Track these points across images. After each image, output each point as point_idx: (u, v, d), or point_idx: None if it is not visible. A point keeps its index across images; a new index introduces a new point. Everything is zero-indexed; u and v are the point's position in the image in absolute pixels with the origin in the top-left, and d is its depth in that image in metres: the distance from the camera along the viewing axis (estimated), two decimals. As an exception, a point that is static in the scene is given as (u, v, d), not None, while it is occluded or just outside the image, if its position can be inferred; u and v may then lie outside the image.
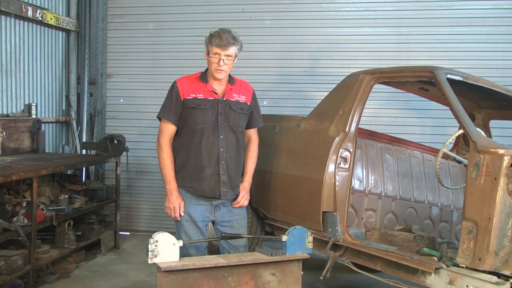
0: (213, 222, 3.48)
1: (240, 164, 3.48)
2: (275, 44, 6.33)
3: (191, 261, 2.94)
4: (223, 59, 3.24)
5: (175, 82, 3.42)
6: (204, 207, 3.39)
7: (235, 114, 3.38)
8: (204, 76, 3.39)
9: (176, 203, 3.30)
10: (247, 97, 3.47)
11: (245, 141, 3.56)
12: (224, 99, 3.36)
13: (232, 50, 3.26)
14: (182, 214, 3.32)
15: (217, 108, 3.33)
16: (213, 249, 4.31)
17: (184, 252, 3.26)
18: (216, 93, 3.35)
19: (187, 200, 3.37)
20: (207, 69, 3.38)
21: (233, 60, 3.31)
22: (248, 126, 3.54)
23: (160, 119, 3.43)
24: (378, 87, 4.13)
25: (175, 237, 2.91)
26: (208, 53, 3.30)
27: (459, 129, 3.31)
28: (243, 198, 3.49)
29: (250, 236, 3.40)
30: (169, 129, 3.38)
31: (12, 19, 5.66)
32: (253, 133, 3.60)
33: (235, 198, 3.46)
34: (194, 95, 3.33)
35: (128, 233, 6.72)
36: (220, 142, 3.34)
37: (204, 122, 3.32)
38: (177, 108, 3.35)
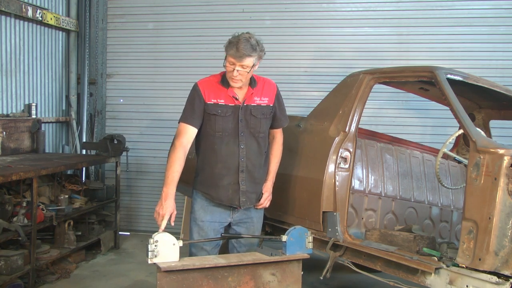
0: (230, 224, 3.38)
1: (263, 169, 3.35)
2: (275, 44, 6.32)
3: (191, 261, 2.94)
4: (237, 70, 3.07)
5: (196, 85, 3.24)
6: (223, 209, 3.30)
7: (256, 120, 3.24)
8: (224, 80, 3.20)
9: (167, 210, 2.99)
10: (269, 98, 3.30)
11: (269, 141, 3.42)
12: (245, 104, 3.21)
13: (248, 61, 3.05)
14: (172, 224, 3.04)
15: (238, 115, 3.19)
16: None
17: (196, 253, 3.27)
18: (237, 99, 3.20)
19: (205, 202, 3.29)
20: None
21: (250, 71, 3.11)
22: (272, 127, 3.39)
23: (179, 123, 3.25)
24: (378, 87, 4.13)
25: (176, 237, 2.91)
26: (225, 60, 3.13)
27: (459, 129, 3.31)
28: (266, 200, 3.39)
29: (250, 236, 3.38)
30: (188, 131, 3.18)
31: (12, 19, 5.67)
32: (277, 133, 3.45)
33: (258, 200, 3.36)
34: (215, 101, 3.18)
35: (128, 233, 6.72)
36: (241, 151, 3.21)
37: (224, 130, 3.19)
38: (200, 110, 3.19)
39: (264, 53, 3.14)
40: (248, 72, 3.11)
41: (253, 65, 3.10)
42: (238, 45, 3.02)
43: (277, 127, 3.43)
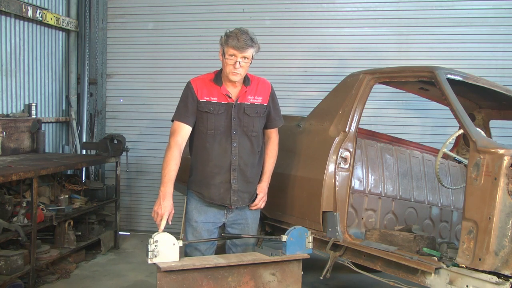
0: (224, 224, 3.36)
1: (256, 168, 3.32)
2: (275, 44, 6.33)
3: (191, 261, 2.94)
4: (239, 61, 3.07)
5: (189, 83, 3.24)
6: (217, 209, 3.28)
7: (249, 118, 3.23)
8: (218, 78, 3.21)
9: (166, 210, 3.01)
10: (263, 97, 3.29)
11: (264, 141, 3.41)
12: (238, 102, 3.20)
13: (250, 52, 3.08)
14: (170, 222, 3.04)
15: (231, 113, 3.18)
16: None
17: (190, 254, 3.25)
18: (230, 97, 3.19)
19: (199, 202, 3.28)
20: (221, 70, 3.22)
21: (250, 62, 3.14)
22: (266, 127, 3.39)
23: (173, 121, 3.25)
24: (378, 87, 4.13)
25: (176, 237, 2.90)
26: (223, 54, 3.12)
27: (459, 129, 3.31)
28: (261, 201, 3.37)
29: (250, 236, 3.37)
30: (182, 129, 3.18)
31: (12, 19, 5.67)
32: (272, 133, 3.43)
33: (253, 200, 3.35)
34: (208, 98, 3.17)
35: (128, 233, 6.73)
36: (233, 150, 3.20)
37: (216, 128, 3.18)
38: (193, 108, 3.18)
39: (260, 47, 3.16)
40: (248, 64, 3.13)
41: (252, 57, 3.13)
42: (238, 37, 3.05)
43: (272, 127, 3.42)
